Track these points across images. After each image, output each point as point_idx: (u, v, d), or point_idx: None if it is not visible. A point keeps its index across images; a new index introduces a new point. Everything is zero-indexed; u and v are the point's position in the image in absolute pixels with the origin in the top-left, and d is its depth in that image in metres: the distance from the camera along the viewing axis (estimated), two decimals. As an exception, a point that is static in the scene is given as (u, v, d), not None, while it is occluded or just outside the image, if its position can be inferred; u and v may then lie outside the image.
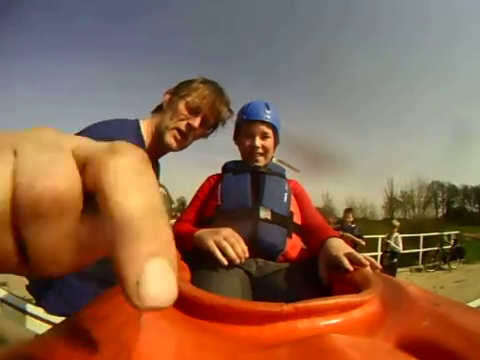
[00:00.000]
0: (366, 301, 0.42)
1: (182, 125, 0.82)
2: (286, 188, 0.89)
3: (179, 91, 0.83)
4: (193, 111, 0.82)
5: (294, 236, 0.81)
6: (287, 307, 0.38)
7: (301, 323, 0.37)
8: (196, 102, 0.81)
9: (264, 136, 0.94)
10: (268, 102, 0.96)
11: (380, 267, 0.63)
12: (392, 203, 25.73)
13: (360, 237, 4.17)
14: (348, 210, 4.69)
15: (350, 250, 0.65)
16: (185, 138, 0.85)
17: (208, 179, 0.97)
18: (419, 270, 6.96)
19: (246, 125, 0.95)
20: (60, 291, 0.74)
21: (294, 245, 0.80)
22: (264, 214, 0.79)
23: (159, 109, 0.87)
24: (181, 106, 0.81)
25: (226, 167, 0.99)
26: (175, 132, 0.82)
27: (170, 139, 0.82)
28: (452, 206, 30.90)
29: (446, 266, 7.00)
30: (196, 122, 0.83)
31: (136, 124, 0.82)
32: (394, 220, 6.18)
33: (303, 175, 1.06)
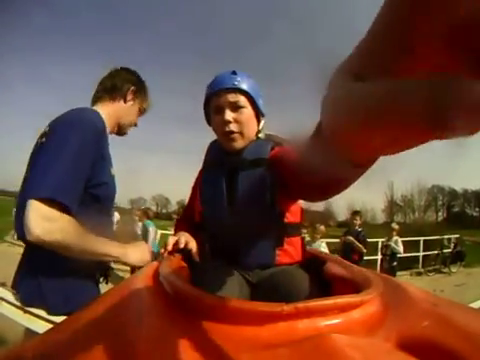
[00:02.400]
0: (366, 301, 0.42)
1: (136, 121, 1.06)
2: (268, 181, 0.70)
3: (139, 95, 1.03)
4: (141, 113, 1.07)
5: (287, 240, 0.71)
6: (287, 307, 0.37)
7: (301, 323, 0.37)
8: (145, 109, 1.07)
9: (236, 107, 0.74)
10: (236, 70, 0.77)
11: None
12: (392, 207, 25.67)
13: (364, 242, 3.98)
14: (355, 213, 4.31)
15: None
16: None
17: (198, 174, 0.88)
18: (419, 274, 6.91)
19: (213, 100, 0.77)
20: (60, 290, 0.78)
21: (287, 251, 0.72)
22: (243, 230, 0.69)
23: (119, 94, 1.00)
24: (137, 110, 1.04)
25: (207, 151, 0.86)
26: (132, 127, 1.07)
27: (128, 130, 1.06)
28: (452, 210, 30.89)
29: (446, 270, 6.95)
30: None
31: (99, 114, 0.95)
32: (393, 223, 6.12)
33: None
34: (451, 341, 0.32)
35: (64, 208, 0.73)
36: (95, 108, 0.94)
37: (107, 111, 0.95)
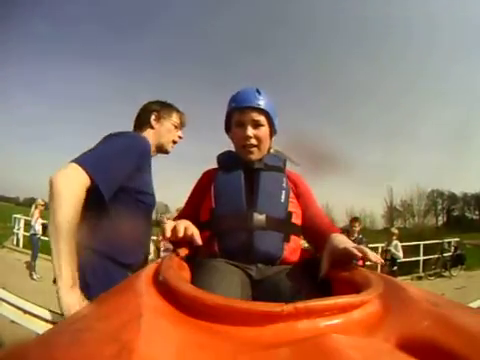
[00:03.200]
0: (366, 301, 0.42)
1: (176, 137, 1.20)
2: (284, 185, 0.83)
3: (163, 115, 1.16)
4: (179, 126, 1.20)
5: (293, 238, 0.78)
6: (287, 307, 0.37)
7: (301, 323, 0.37)
8: (179, 121, 1.19)
9: (257, 124, 0.85)
10: (260, 88, 0.87)
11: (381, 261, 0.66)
12: (392, 212, 25.55)
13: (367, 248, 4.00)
14: (355, 219, 4.44)
15: (356, 244, 0.66)
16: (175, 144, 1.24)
17: (203, 175, 0.94)
18: (420, 278, 6.90)
19: (236, 114, 0.87)
20: (103, 282, 0.81)
21: (293, 249, 0.78)
22: (259, 221, 0.75)
23: (144, 123, 1.15)
24: (169, 128, 1.16)
25: (220, 160, 0.93)
26: (172, 143, 1.20)
27: (170, 148, 1.19)
28: (452, 214, 30.79)
29: (447, 273, 6.94)
30: (181, 133, 1.23)
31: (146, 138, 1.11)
32: (393, 228, 6.13)
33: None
34: (451, 341, 0.32)
35: (100, 193, 0.83)
36: None
37: (147, 137, 1.10)
